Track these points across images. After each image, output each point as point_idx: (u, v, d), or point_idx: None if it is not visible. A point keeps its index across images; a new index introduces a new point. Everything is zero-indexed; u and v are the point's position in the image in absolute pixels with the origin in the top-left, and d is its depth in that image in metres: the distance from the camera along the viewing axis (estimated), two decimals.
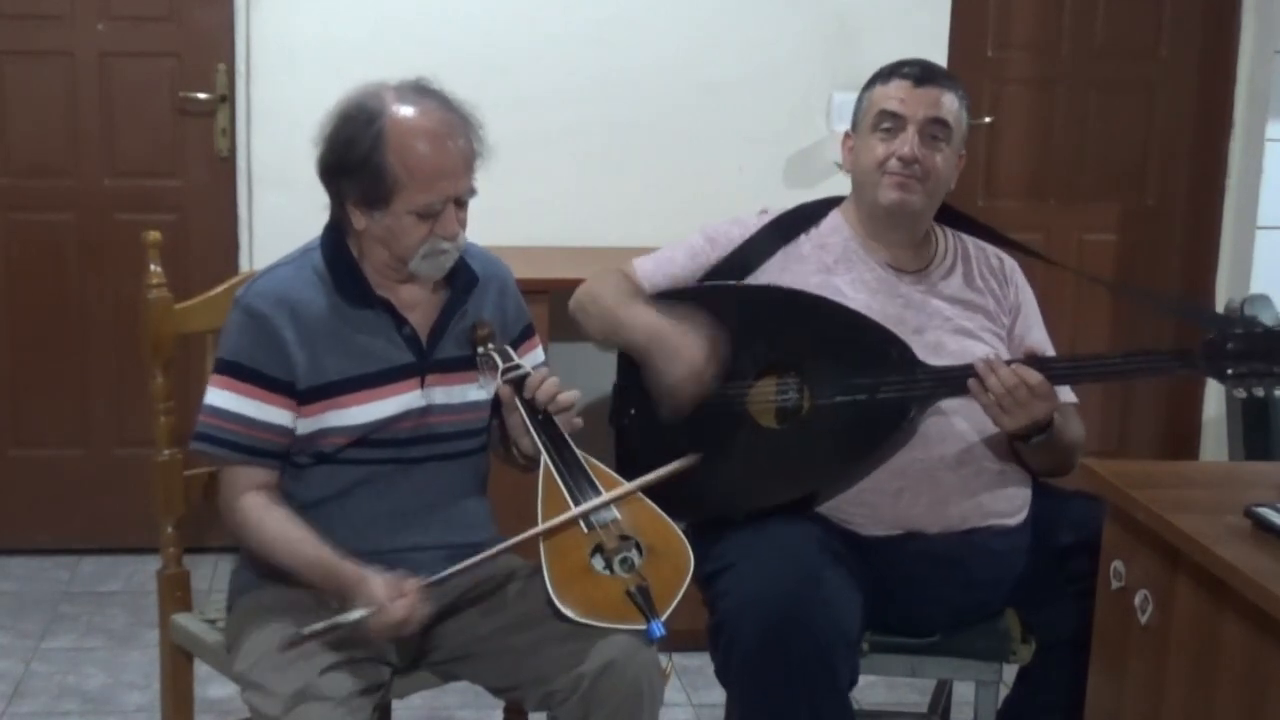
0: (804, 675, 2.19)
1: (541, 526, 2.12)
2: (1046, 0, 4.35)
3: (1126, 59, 4.42)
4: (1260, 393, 2.25)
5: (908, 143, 2.38)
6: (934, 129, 2.40)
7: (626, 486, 2.18)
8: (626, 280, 2.51)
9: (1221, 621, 1.89)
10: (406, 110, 2.12)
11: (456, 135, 2.14)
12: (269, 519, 2.14)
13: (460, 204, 2.17)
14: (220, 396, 2.16)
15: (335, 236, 2.23)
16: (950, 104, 2.42)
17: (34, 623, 3.72)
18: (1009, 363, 2.29)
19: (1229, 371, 2.23)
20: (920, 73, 2.42)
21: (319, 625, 2.00)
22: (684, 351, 2.33)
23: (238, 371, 2.16)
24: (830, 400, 2.38)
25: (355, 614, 2.00)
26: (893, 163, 2.40)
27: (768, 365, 2.43)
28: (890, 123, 2.40)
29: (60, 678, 3.43)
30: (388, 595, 2.00)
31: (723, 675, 2.29)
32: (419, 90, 2.17)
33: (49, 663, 3.50)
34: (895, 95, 2.41)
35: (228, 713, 3.01)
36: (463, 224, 2.18)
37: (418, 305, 2.24)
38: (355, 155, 2.11)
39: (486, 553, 2.14)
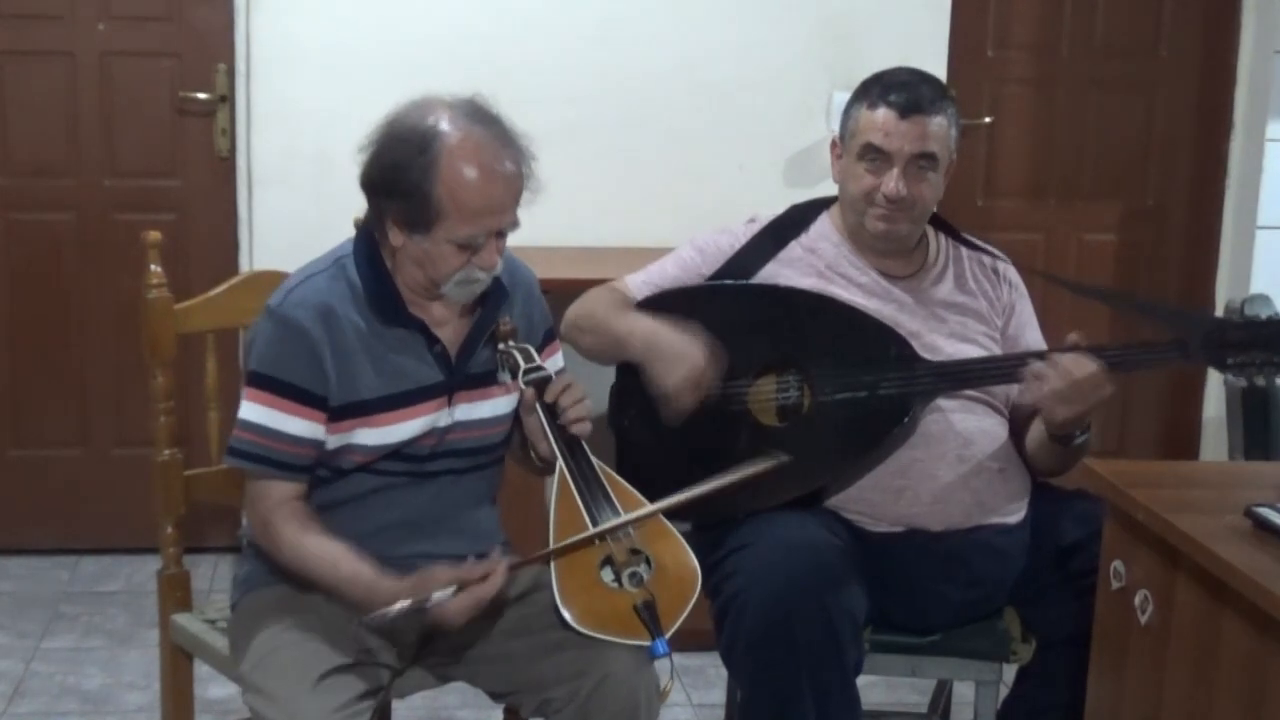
0: (810, 653, 2.20)
1: (563, 542, 2.09)
2: (1046, 0, 4.35)
3: (1126, 59, 4.42)
4: (1261, 381, 2.25)
5: (894, 180, 2.36)
6: (920, 161, 2.37)
7: (648, 508, 2.14)
8: (618, 294, 2.51)
9: (1221, 621, 1.89)
10: (462, 140, 2.05)
11: (508, 170, 2.08)
12: (308, 537, 2.10)
13: (501, 234, 2.13)
14: (255, 411, 2.12)
15: (370, 248, 2.17)
16: (939, 130, 2.37)
17: (34, 623, 3.72)
18: (1066, 351, 2.28)
19: (1229, 361, 2.24)
20: (906, 102, 2.35)
21: (400, 606, 1.95)
22: (682, 355, 2.33)
23: (272, 385, 2.11)
24: (831, 397, 2.38)
25: (442, 593, 1.97)
26: (879, 197, 2.38)
27: (767, 363, 2.43)
28: (876, 155, 2.38)
29: (60, 678, 3.43)
30: (468, 575, 1.98)
31: (727, 656, 2.29)
32: (474, 115, 2.09)
33: (49, 663, 3.50)
34: (881, 128, 2.36)
35: (228, 713, 3.01)
36: (500, 253, 2.14)
37: (449, 322, 2.21)
38: (403, 180, 2.05)
39: (552, 549, 2.09)
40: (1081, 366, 2.25)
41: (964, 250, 2.54)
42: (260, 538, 2.17)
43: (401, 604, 1.95)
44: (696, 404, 2.34)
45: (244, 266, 3.98)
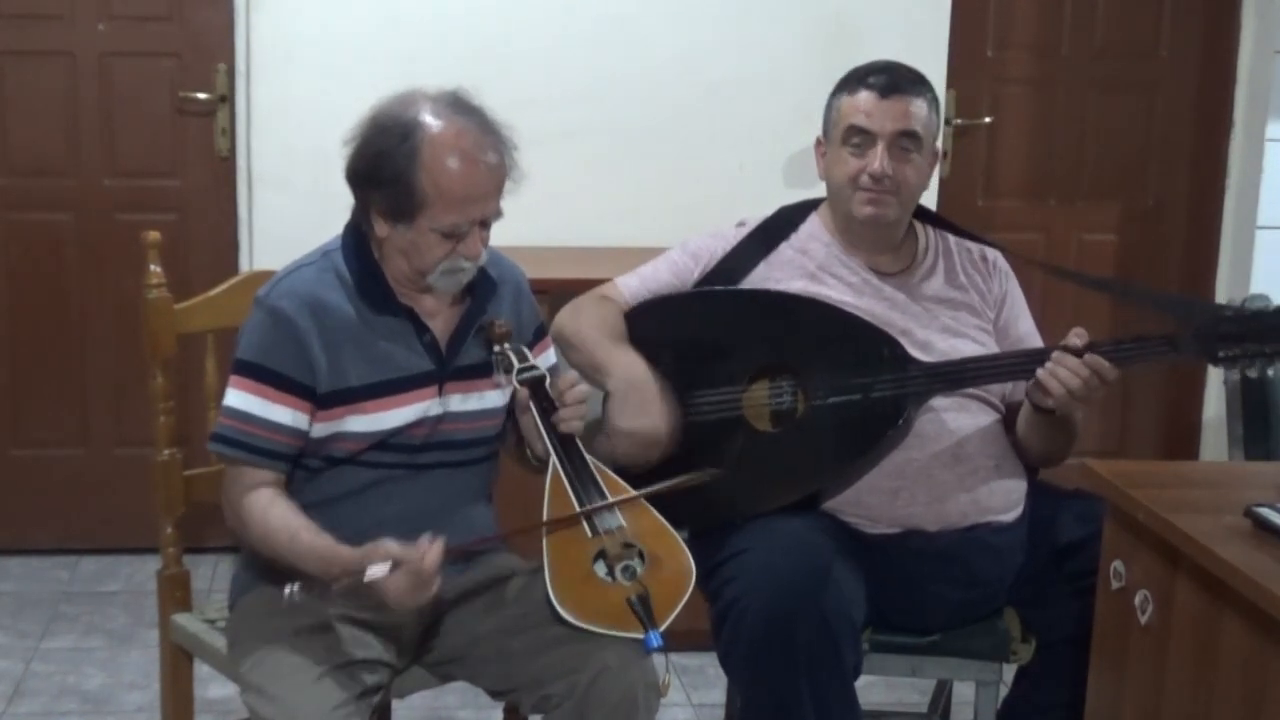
0: (809, 658, 2.19)
1: (548, 520, 2.12)
2: (1046, 0, 4.35)
3: (1126, 59, 4.42)
4: (1253, 374, 2.25)
5: (878, 159, 2.37)
6: (903, 141, 2.38)
7: (634, 492, 2.17)
8: (609, 310, 2.49)
9: (1221, 621, 1.89)
10: (443, 128, 2.08)
11: (490, 158, 2.11)
12: (273, 510, 2.12)
13: (484, 224, 2.15)
14: (239, 398, 2.14)
15: (358, 240, 2.20)
16: (919, 112, 2.39)
17: (34, 623, 3.72)
18: (1081, 353, 2.27)
19: (1220, 354, 2.24)
20: (886, 83, 2.38)
21: (342, 581, 1.96)
22: (651, 408, 2.32)
23: (257, 373, 2.13)
24: (824, 401, 2.38)
25: (378, 569, 1.95)
26: (864, 178, 2.39)
27: (761, 369, 2.43)
28: (859, 138, 2.39)
29: (60, 678, 3.43)
30: (408, 553, 1.96)
31: (726, 661, 2.29)
32: (456, 105, 2.12)
33: (49, 663, 3.50)
34: (863, 109, 2.38)
35: (228, 713, 3.02)
36: (485, 243, 2.16)
37: (439, 313, 2.22)
38: (386, 168, 2.08)
39: (500, 532, 2.18)
40: (1107, 372, 2.25)
41: (953, 243, 2.54)
42: (232, 520, 2.18)
43: (340, 581, 1.96)
44: (642, 460, 2.32)
45: (244, 266, 3.98)
